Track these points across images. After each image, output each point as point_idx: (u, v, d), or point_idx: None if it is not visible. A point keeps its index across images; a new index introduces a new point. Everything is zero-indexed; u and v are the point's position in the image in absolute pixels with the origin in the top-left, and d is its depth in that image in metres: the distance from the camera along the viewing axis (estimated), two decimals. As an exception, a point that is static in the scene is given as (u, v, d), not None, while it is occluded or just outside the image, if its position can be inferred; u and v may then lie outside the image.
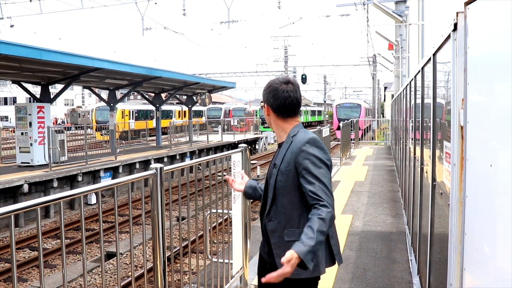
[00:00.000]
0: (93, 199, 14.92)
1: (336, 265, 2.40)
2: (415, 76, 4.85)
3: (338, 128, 29.93)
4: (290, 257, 1.95)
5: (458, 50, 2.04)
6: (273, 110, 2.38)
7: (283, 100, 2.34)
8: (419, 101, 4.47)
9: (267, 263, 2.44)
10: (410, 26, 17.81)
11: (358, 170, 13.25)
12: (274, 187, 2.32)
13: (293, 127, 2.38)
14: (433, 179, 3.10)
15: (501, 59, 1.74)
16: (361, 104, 37.85)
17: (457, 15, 2.04)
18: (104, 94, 22.81)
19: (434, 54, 3.03)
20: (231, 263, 4.15)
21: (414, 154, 5.02)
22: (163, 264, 2.76)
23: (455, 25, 2.06)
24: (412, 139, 5.51)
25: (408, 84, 6.38)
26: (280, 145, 2.43)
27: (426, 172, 3.64)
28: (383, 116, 51.85)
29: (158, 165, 2.70)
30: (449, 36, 2.24)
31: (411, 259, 5.14)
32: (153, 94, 24.48)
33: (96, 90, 22.47)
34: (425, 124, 3.85)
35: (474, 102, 1.92)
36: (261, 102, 2.47)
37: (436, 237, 3.05)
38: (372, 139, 29.30)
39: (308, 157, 2.21)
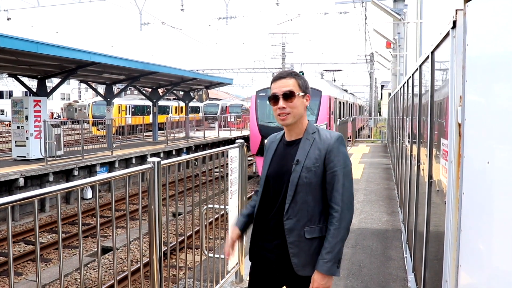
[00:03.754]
0: (89, 194, 14.89)
1: None
2: (412, 74, 4.86)
3: (259, 152, 16.47)
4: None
5: (456, 48, 2.04)
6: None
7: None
8: (416, 99, 4.48)
9: (273, 263, 2.35)
10: (408, 24, 17.83)
11: (354, 167, 13.27)
12: (297, 184, 2.25)
13: (308, 122, 2.37)
14: (430, 177, 3.11)
15: (499, 57, 1.75)
16: (321, 91, 17.29)
17: (456, 13, 2.04)
18: (101, 88, 22.74)
19: (432, 52, 3.03)
20: (227, 259, 4.15)
21: (411, 152, 5.03)
22: (159, 259, 2.75)
23: (454, 22, 2.07)
24: (408, 137, 5.52)
25: (405, 82, 6.39)
26: (290, 143, 2.35)
27: (423, 170, 3.65)
28: (380, 115, 51.93)
29: (156, 159, 2.69)
30: (447, 34, 2.24)
31: (406, 257, 5.16)
32: (150, 90, 24.42)
33: (93, 84, 22.36)
34: (422, 122, 3.86)
35: (472, 100, 1.92)
36: (303, 92, 2.31)
37: (431, 235, 3.06)
38: (369, 137, 29.33)
39: (339, 154, 2.24)
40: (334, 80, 26.21)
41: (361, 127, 32.19)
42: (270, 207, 2.36)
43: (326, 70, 28.12)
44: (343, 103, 20.31)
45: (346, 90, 28.90)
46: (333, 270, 2.20)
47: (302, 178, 2.24)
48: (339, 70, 29.07)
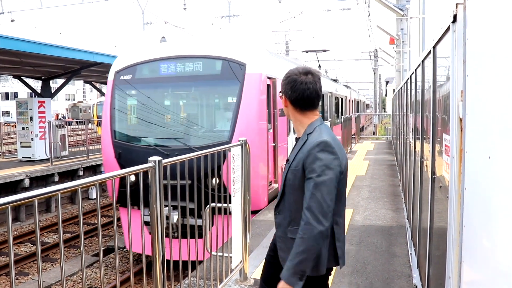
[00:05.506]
0: (94, 194, 14.96)
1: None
2: (415, 70, 4.83)
3: (122, 201, 6.91)
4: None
5: (457, 42, 2.03)
6: (291, 102, 2.29)
7: (301, 92, 2.24)
8: (419, 94, 4.46)
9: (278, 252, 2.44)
10: (411, 20, 17.74)
11: (359, 164, 13.23)
12: (284, 183, 2.29)
13: (311, 121, 2.31)
14: (433, 173, 3.10)
15: (500, 51, 1.73)
16: (245, 64, 7.22)
17: (456, 7, 2.02)
18: (105, 88, 22.88)
19: (434, 47, 3.01)
20: (231, 257, 4.15)
21: (415, 148, 5.00)
22: (162, 257, 2.76)
23: (455, 16, 2.05)
24: (412, 133, 5.50)
25: (408, 78, 6.35)
26: (297, 140, 2.37)
27: (426, 166, 3.63)
28: (384, 111, 51.77)
29: (157, 158, 2.69)
30: (448, 28, 2.23)
31: (411, 253, 5.14)
32: (154, 89, 24.41)
33: (97, 84, 22.44)
34: (425, 118, 3.83)
35: (473, 94, 1.90)
36: (280, 92, 2.38)
37: (435, 231, 3.04)
38: (373, 134, 29.24)
39: (315, 162, 2.13)
40: (319, 66, 19.48)
41: (363, 127, 30.19)
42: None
43: (306, 51, 20.87)
44: (326, 96, 14.01)
45: (336, 80, 21.51)
46: (291, 280, 2.05)
47: (287, 178, 2.27)
48: (325, 51, 20.59)
